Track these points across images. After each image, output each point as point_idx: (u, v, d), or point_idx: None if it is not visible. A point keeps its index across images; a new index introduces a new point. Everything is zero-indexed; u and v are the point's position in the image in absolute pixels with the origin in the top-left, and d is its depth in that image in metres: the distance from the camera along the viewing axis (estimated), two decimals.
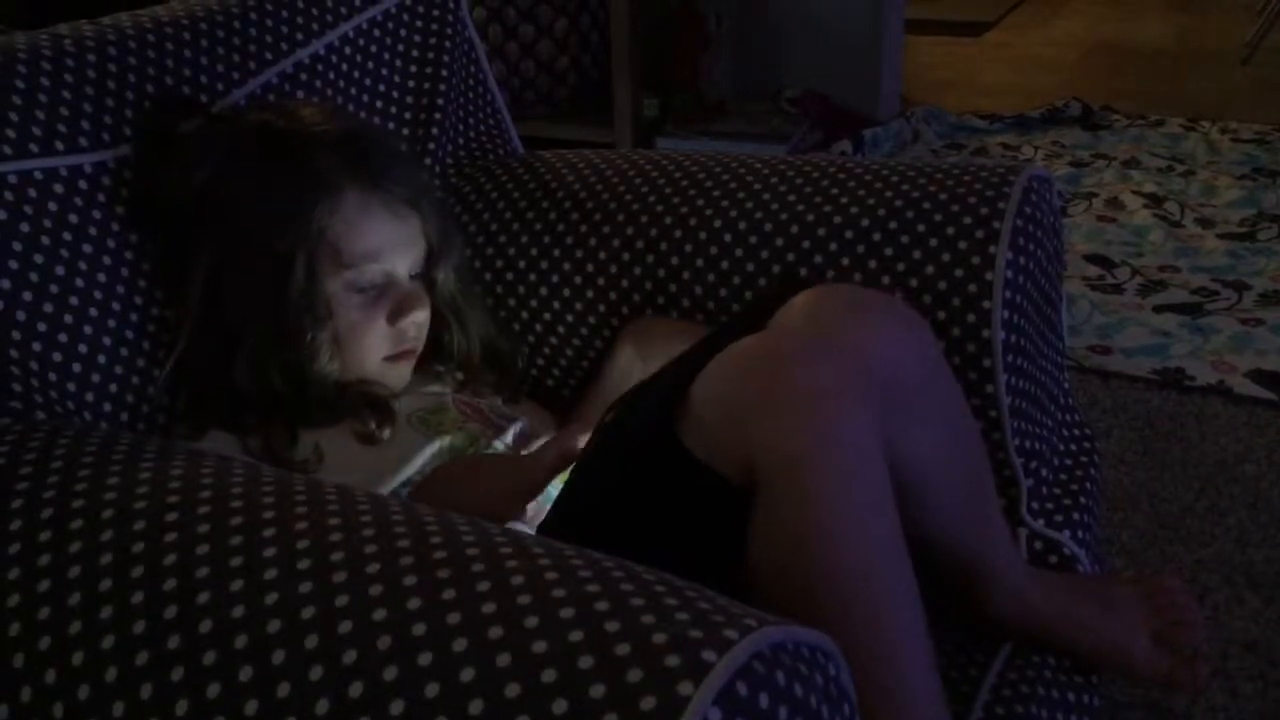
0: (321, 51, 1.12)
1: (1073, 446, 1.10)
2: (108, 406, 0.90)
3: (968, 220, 0.96)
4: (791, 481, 0.70)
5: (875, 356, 0.78)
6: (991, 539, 0.90)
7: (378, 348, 0.99)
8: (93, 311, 0.89)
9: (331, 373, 0.96)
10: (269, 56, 1.07)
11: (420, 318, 1.01)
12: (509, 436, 1.01)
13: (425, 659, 0.51)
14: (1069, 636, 0.91)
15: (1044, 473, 1.02)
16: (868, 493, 0.71)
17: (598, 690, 0.48)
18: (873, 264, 0.98)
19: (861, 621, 0.68)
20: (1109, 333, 2.02)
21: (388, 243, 0.98)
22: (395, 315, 0.99)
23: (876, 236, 0.99)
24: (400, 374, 1.02)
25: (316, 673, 0.52)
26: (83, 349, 0.88)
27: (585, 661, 0.49)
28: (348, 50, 1.14)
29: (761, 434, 0.71)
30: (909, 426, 0.80)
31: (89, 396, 0.88)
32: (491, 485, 0.90)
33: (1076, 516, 1.01)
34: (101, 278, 0.91)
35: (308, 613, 0.54)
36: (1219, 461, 1.66)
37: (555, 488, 0.96)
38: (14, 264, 0.85)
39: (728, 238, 1.04)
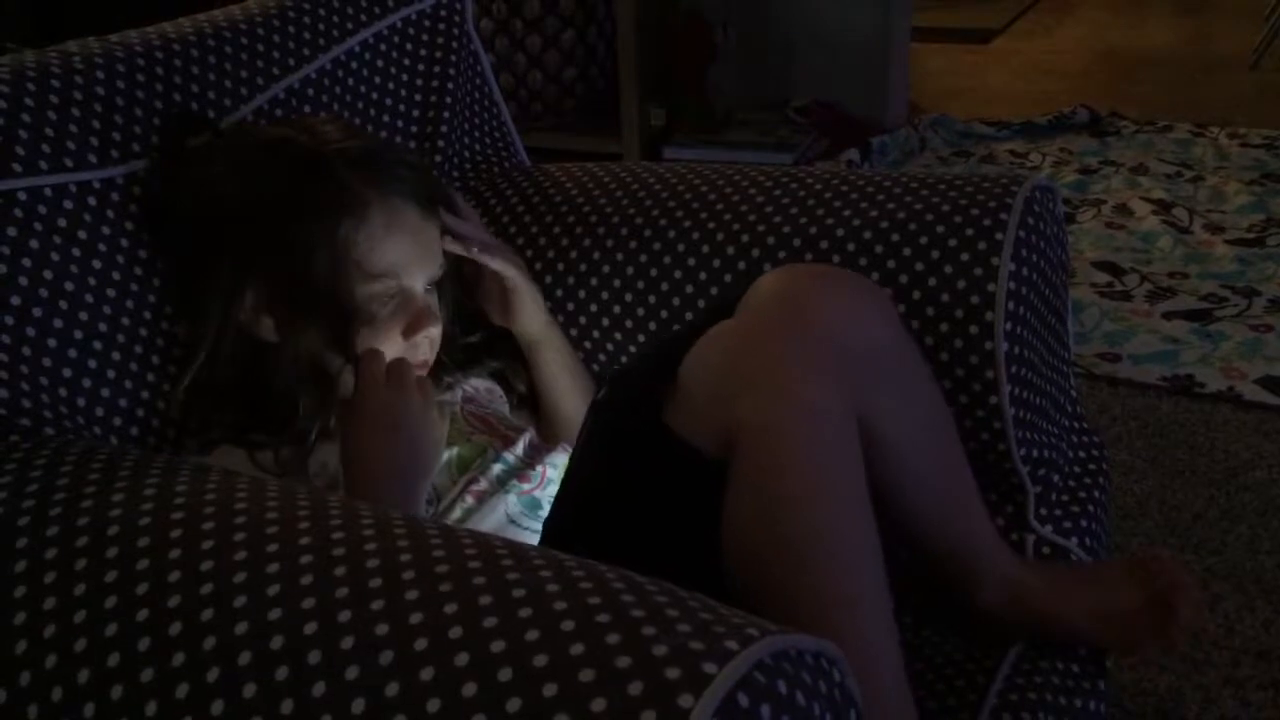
0: (328, 66, 1.13)
1: (1081, 454, 1.10)
2: (118, 421, 0.90)
3: (970, 232, 0.96)
4: (761, 448, 0.73)
5: (842, 328, 0.80)
6: (972, 521, 0.91)
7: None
8: (102, 327, 0.90)
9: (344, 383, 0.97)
10: (276, 72, 1.08)
11: (434, 333, 1.01)
12: (519, 447, 1.01)
13: (427, 673, 0.51)
14: (1063, 616, 0.91)
15: (1054, 479, 1.02)
16: (834, 455, 0.75)
17: (599, 704, 0.48)
18: (875, 276, 0.98)
19: (821, 573, 0.72)
20: (1118, 340, 2.01)
21: (409, 257, 0.98)
22: (411, 329, 0.99)
23: (879, 249, 0.99)
24: None
25: (319, 689, 0.52)
26: (92, 364, 0.89)
27: (586, 675, 0.50)
28: (353, 65, 1.15)
29: (739, 410, 0.74)
30: (881, 396, 0.83)
31: (99, 411, 0.89)
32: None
33: (1085, 524, 1.01)
34: (111, 293, 0.91)
35: (310, 628, 0.55)
36: (1229, 468, 1.65)
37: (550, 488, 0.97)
38: (24, 280, 0.85)
39: (730, 250, 1.04)
